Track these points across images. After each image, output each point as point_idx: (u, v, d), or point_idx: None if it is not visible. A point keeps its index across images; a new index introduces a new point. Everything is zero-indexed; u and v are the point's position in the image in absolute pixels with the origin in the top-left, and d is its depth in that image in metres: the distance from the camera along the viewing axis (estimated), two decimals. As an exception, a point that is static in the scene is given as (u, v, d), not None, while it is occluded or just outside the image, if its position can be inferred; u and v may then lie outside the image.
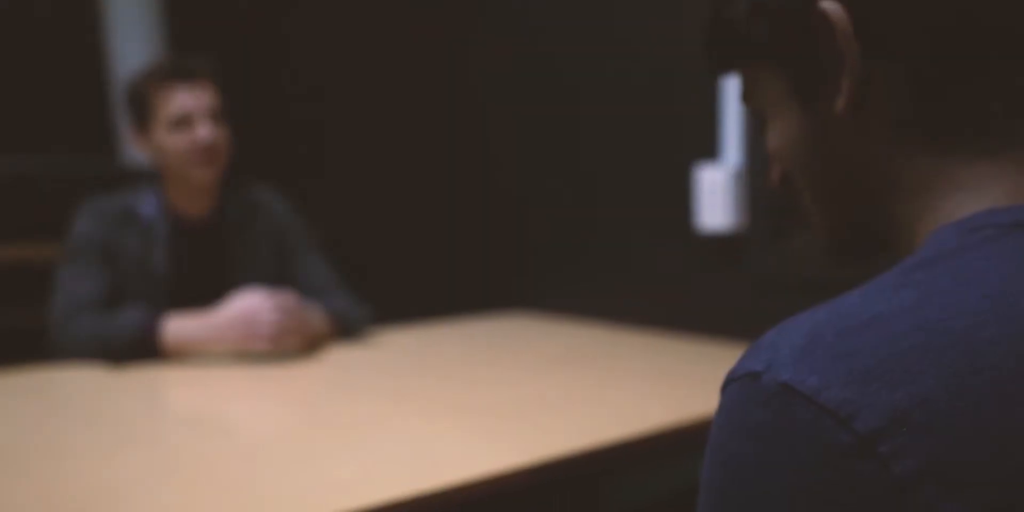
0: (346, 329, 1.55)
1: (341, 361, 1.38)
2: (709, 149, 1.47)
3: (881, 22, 0.42)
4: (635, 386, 1.17)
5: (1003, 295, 0.34)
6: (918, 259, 0.39)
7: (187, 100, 1.45)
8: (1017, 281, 0.35)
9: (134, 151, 1.45)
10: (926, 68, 0.42)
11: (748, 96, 0.52)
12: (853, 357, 0.33)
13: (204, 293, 1.56)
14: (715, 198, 1.44)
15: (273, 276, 1.62)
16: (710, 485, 0.37)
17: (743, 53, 0.50)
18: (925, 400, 0.32)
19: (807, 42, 0.45)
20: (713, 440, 0.37)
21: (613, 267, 1.69)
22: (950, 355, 0.32)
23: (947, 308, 0.34)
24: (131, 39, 2.74)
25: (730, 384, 0.37)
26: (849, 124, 0.45)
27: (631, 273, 1.66)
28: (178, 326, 1.38)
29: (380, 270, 2.43)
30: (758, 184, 1.41)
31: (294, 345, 1.41)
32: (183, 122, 1.45)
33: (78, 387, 1.23)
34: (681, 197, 1.54)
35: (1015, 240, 0.37)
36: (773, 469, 0.34)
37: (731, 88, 1.41)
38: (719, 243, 1.49)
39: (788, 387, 0.34)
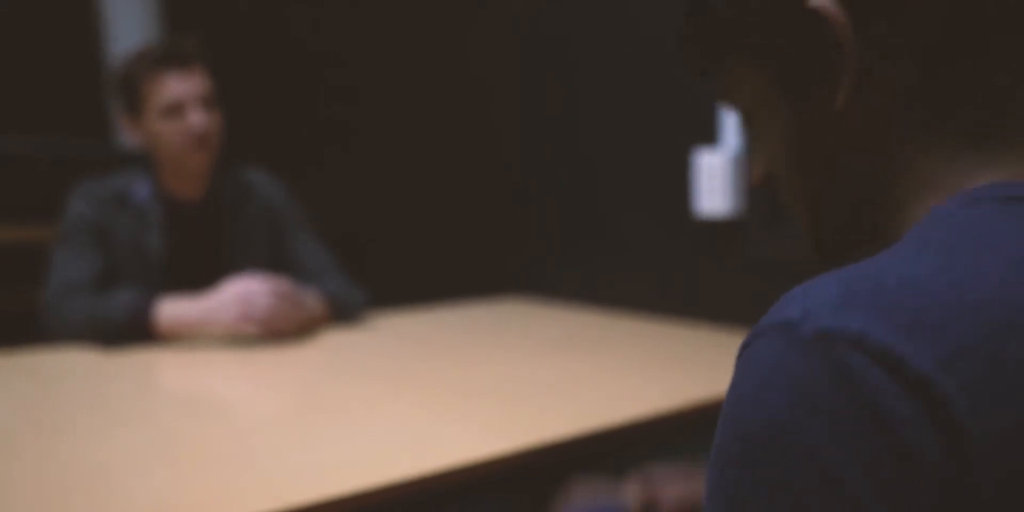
0: (342, 312, 1.54)
1: (337, 344, 1.37)
2: (708, 134, 1.46)
3: (884, 17, 0.40)
4: (633, 371, 1.16)
5: (1021, 262, 0.34)
6: (926, 228, 0.38)
7: (178, 87, 1.43)
8: None
9: (127, 135, 1.44)
10: (930, 62, 0.41)
11: (730, 94, 0.50)
12: (892, 311, 0.32)
13: (199, 276, 1.55)
14: (714, 183, 1.43)
15: (269, 258, 1.61)
16: (729, 459, 0.34)
17: (726, 50, 0.48)
18: (968, 349, 0.31)
19: (798, 39, 0.43)
20: (732, 408, 0.34)
21: (611, 252, 1.69)
22: (985, 311, 0.32)
23: (974, 268, 0.34)
24: (127, 22, 2.72)
25: (757, 338, 0.35)
26: (844, 120, 0.44)
27: (630, 258, 1.65)
28: (172, 308, 1.37)
29: (378, 254, 2.42)
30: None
31: (289, 330, 1.40)
32: (175, 110, 1.44)
33: (71, 369, 1.22)
34: (680, 182, 1.53)
35: (1020, 211, 0.37)
36: (813, 420, 0.32)
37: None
38: (718, 228, 1.48)
39: (830, 333, 0.32)
